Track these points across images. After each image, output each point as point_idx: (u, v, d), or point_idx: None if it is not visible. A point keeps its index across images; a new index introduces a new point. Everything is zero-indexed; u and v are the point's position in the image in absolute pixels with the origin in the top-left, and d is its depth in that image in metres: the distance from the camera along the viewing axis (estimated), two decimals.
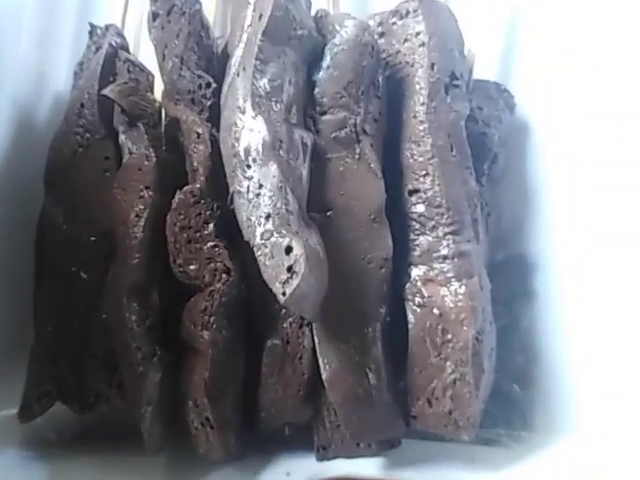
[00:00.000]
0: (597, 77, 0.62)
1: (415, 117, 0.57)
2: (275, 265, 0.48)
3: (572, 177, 0.63)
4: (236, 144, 0.52)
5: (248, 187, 0.51)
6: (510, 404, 0.62)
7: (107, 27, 0.63)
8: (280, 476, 0.57)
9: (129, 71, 0.60)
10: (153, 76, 0.61)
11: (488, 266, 0.59)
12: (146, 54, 0.63)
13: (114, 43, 0.61)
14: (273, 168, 0.50)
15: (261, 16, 0.55)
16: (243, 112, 0.52)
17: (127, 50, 0.62)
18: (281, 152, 0.52)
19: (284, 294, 0.48)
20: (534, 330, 0.64)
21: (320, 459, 0.57)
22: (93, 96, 0.59)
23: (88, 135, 0.59)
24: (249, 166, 0.51)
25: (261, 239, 0.49)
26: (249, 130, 0.52)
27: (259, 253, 0.49)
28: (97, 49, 0.62)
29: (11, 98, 0.64)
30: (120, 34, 0.63)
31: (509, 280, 0.62)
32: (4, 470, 0.57)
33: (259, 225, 0.50)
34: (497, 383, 0.57)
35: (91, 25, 0.63)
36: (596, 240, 0.61)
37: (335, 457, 0.57)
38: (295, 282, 0.47)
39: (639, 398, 0.58)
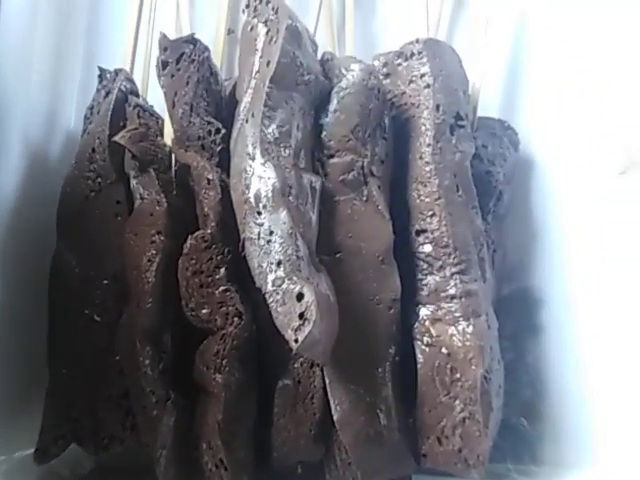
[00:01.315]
0: (599, 115, 0.63)
1: (421, 158, 0.58)
2: (287, 312, 0.49)
3: (576, 212, 0.64)
4: (246, 191, 0.53)
5: (259, 234, 0.51)
6: (518, 438, 0.62)
7: (117, 72, 0.63)
8: None
9: (139, 116, 0.61)
10: (162, 120, 0.61)
11: (494, 301, 0.60)
12: (154, 95, 0.64)
13: (124, 88, 0.62)
14: (283, 215, 0.51)
15: (269, 63, 0.55)
16: (253, 159, 0.53)
17: (137, 94, 0.63)
18: (291, 198, 0.52)
19: (296, 341, 0.48)
20: (541, 364, 0.64)
21: None
22: (104, 141, 0.60)
23: (99, 180, 0.60)
24: (260, 213, 0.52)
25: (273, 286, 0.50)
26: (259, 177, 0.52)
27: (271, 300, 0.50)
28: (107, 93, 0.62)
29: (22, 138, 0.65)
30: (129, 79, 0.63)
31: (515, 314, 0.63)
32: None
33: (270, 272, 0.50)
34: (505, 417, 0.58)
35: (100, 69, 0.64)
36: (600, 273, 0.62)
37: None
38: (307, 329, 0.48)
39: None
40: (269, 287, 0.50)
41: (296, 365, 0.57)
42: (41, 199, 0.64)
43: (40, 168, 0.67)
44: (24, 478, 0.60)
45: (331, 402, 0.55)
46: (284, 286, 0.49)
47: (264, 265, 0.51)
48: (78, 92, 0.71)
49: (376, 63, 0.62)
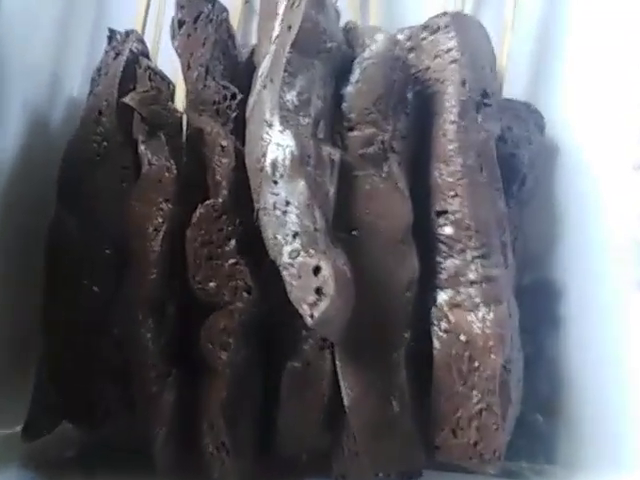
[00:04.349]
0: (633, 98, 0.63)
1: (444, 136, 0.57)
2: (303, 286, 0.49)
3: (602, 202, 0.64)
4: (262, 159, 0.52)
5: (274, 204, 0.51)
6: (533, 435, 0.62)
7: (127, 33, 0.63)
8: None
9: (150, 79, 0.61)
10: (174, 85, 0.61)
11: (513, 291, 0.59)
12: (165, 61, 0.64)
13: (135, 49, 0.62)
14: (301, 185, 0.51)
15: (290, 27, 0.55)
16: (270, 126, 0.52)
17: (148, 57, 0.63)
18: (309, 168, 0.52)
19: (312, 316, 0.48)
20: (559, 359, 0.64)
21: None
22: (112, 103, 0.60)
23: (105, 143, 0.60)
24: (276, 182, 0.51)
25: (288, 258, 0.50)
26: (276, 145, 0.52)
27: (286, 273, 0.50)
28: (117, 55, 0.62)
29: (23, 101, 0.65)
30: (141, 40, 0.63)
31: (534, 306, 0.62)
32: None
33: (286, 244, 0.50)
34: (520, 413, 0.57)
35: (110, 30, 0.63)
36: (627, 266, 0.61)
37: None
38: (324, 305, 0.47)
39: None
40: (284, 259, 0.50)
41: (306, 347, 0.56)
42: (42, 163, 0.64)
43: (41, 133, 0.67)
44: (10, 457, 0.60)
45: (342, 386, 0.54)
46: (300, 259, 0.49)
47: (279, 237, 0.50)
48: (85, 57, 0.72)
49: (400, 37, 0.61)
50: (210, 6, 0.59)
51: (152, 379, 0.55)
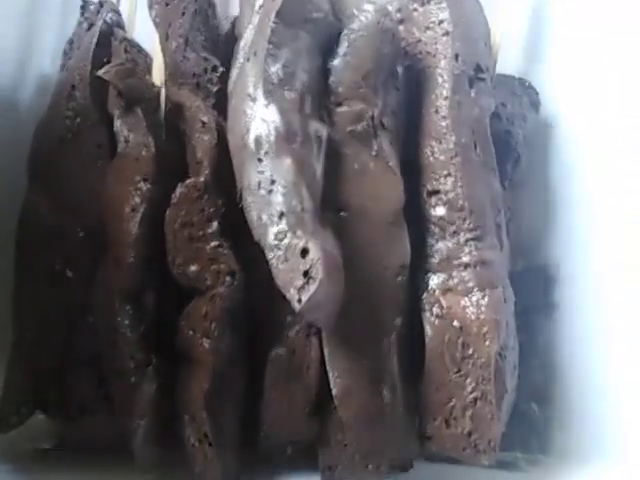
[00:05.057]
0: (629, 75, 0.61)
1: (437, 112, 0.56)
2: (290, 269, 0.48)
3: (599, 183, 0.62)
4: (246, 135, 0.51)
5: (259, 183, 0.50)
6: (527, 425, 0.61)
7: (101, 2, 0.61)
8: None
9: (126, 51, 0.59)
10: (151, 58, 0.60)
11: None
12: (141, 35, 0.63)
13: (109, 20, 0.60)
14: (287, 162, 0.49)
15: None
16: (254, 100, 0.51)
17: (124, 28, 0.61)
18: (295, 145, 0.51)
19: (300, 301, 0.47)
20: (553, 346, 0.63)
21: None
22: (85, 77, 0.58)
23: (79, 120, 0.58)
24: (260, 160, 0.50)
25: (274, 240, 0.49)
26: (261, 120, 0.51)
27: (271, 255, 0.49)
28: (90, 26, 0.61)
29: None
30: (116, 10, 0.62)
31: (528, 292, 0.61)
32: None
33: (272, 224, 0.49)
34: (514, 402, 0.57)
35: (83, 0, 0.62)
36: (622, 251, 0.60)
37: (341, 479, 0.55)
38: (312, 288, 0.46)
39: None
40: (270, 241, 0.49)
41: (291, 334, 0.55)
42: (11, 143, 0.63)
43: (10, 110, 0.65)
44: None
45: (330, 374, 0.53)
46: (287, 240, 0.48)
47: (264, 217, 0.49)
48: (56, 28, 0.69)
49: (389, 8, 0.59)
50: None
51: (130, 369, 0.54)
